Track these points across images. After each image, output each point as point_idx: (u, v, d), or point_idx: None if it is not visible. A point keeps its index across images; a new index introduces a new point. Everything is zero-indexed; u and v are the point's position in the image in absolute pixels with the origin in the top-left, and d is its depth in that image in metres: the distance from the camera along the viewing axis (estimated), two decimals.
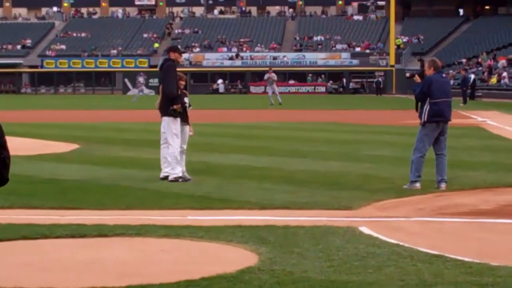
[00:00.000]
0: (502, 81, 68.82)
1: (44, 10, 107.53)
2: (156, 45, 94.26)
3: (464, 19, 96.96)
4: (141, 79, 70.70)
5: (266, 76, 52.65)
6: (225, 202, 11.95)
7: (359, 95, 78.93)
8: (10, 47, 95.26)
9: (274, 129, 29.31)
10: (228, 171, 15.90)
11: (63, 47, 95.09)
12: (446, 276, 7.36)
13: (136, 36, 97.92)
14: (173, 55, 14.76)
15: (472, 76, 61.77)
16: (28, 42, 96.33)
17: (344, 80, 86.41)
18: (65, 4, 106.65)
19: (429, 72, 13.57)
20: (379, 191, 13.00)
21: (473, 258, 8.10)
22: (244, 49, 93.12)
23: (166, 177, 14.40)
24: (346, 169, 16.19)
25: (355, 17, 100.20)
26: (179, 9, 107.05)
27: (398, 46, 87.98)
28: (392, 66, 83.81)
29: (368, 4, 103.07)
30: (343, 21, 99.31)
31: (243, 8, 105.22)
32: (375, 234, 9.41)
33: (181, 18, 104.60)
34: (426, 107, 13.38)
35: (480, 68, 76.17)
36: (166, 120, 14.55)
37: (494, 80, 70.20)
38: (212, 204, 11.72)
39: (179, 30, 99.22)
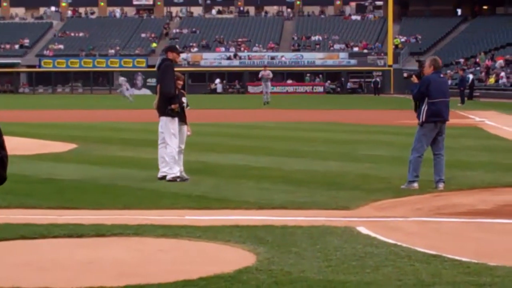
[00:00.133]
0: (500, 81, 68.88)
1: (42, 10, 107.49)
2: (154, 44, 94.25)
3: (462, 19, 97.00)
4: (122, 79, 70.30)
5: (260, 74, 52.41)
6: (223, 202, 11.95)
7: (357, 95, 78.96)
8: (8, 46, 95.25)
9: (272, 129, 29.31)
10: (226, 171, 15.89)
11: (61, 46, 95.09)
12: (444, 276, 7.36)
13: (134, 36, 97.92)
14: (171, 55, 14.75)
15: (471, 76, 61.80)
16: (26, 41, 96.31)
17: (343, 80, 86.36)
18: (63, 4, 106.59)
19: (428, 70, 13.56)
20: (377, 191, 13.01)
21: (471, 258, 8.10)
22: (242, 49, 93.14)
23: (164, 177, 14.40)
24: (344, 169, 16.19)
25: (353, 17, 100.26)
26: (177, 8, 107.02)
27: (396, 46, 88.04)
28: (390, 66, 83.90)
29: (366, 4, 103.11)
30: (341, 21, 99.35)
31: (241, 8, 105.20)
32: (373, 234, 9.41)
33: (179, 17, 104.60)
34: (424, 107, 13.38)
35: (478, 68, 76.22)
36: (164, 120, 14.55)
37: (492, 80, 70.26)
38: (210, 204, 11.72)
39: (177, 30, 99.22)
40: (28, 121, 34.57)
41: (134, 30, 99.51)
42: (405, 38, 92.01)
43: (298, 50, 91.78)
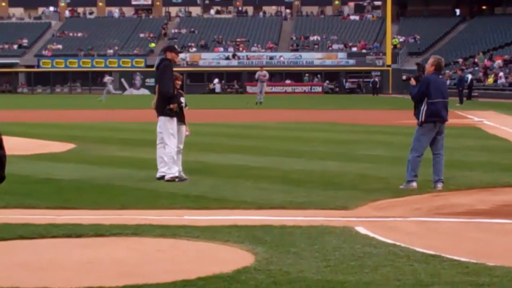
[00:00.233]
0: (498, 81, 68.91)
1: (40, 10, 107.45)
2: (153, 45, 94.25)
3: (460, 19, 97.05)
4: (108, 78, 70.14)
5: (257, 75, 52.33)
6: (222, 202, 11.94)
7: (355, 95, 78.96)
8: (6, 46, 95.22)
9: (270, 129, 29.31)
10: (225, 171, 15.89)
11: (60, 46, 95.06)
12: (443, 276, 7.36)
13: (133, 36, 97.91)
14: (169, 55, 14.75)
15: (469, 76, 61.81)
16: (25, 41, 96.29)
17: (343, 80, 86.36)
18: (62, 4, 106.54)
19: (430, 69, 13.59)
20: (375, 191, 13.00)
21: (470, 258, 8.09)
22: (241, 49, 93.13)
23: (162, 177, 14.39)
24: (343, 169, 16.19)
25: (352, 17, 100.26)
26: (176, 9, 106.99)
27: (395, 46, 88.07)
28: (389, 66, 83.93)
29: (365, 4, 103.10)
30: (339, 21, 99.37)
31: (240, 8, 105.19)
32: (371, 234, 9.41)
33: (178, 17, 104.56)
34: (424, 107, 13.40)
35: (476, 68, 76.24)
36: (162, 119, 14.54)
37: (490, 80, 70.28)
38: (208, 204, 11.71)
39: (176, 30, 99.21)
40: (27, 121, 34.55)
41: (132, 30, 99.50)
42: (403, 38, 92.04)
43: (296, 50, 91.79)
